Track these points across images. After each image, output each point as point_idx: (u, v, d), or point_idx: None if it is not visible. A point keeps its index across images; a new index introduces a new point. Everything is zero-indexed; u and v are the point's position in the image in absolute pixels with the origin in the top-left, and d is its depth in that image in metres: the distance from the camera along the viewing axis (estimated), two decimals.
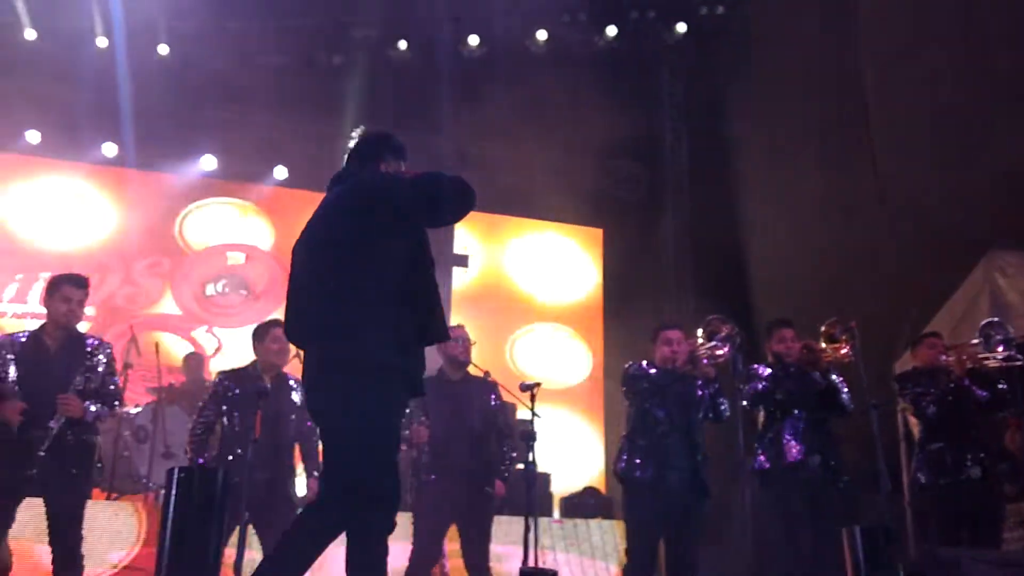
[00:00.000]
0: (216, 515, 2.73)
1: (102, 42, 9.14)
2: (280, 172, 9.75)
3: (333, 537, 2.98)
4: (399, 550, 6.07)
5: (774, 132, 8.96)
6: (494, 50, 9.94)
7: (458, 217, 3.55)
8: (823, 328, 5.36)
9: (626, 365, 5.27)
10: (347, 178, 3.40)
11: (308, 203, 9.42)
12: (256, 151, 9.58)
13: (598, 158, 9.72)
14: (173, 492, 2.69)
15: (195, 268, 9.38)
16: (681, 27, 10.03)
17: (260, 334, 5.08)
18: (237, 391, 4.91)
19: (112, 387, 4.67)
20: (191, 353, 8.34)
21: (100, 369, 4.60)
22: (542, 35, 9.94)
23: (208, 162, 9.56)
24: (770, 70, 9.12)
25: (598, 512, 7.00)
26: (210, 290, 9.33)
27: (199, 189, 9.61)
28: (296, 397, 5.06)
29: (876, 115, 7.91)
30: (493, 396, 5.33)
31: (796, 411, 5.27)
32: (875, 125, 7.91)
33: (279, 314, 4.37)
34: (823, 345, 5.31)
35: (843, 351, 5.24)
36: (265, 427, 4.58)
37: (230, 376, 5.05)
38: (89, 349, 4.61)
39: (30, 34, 9.01)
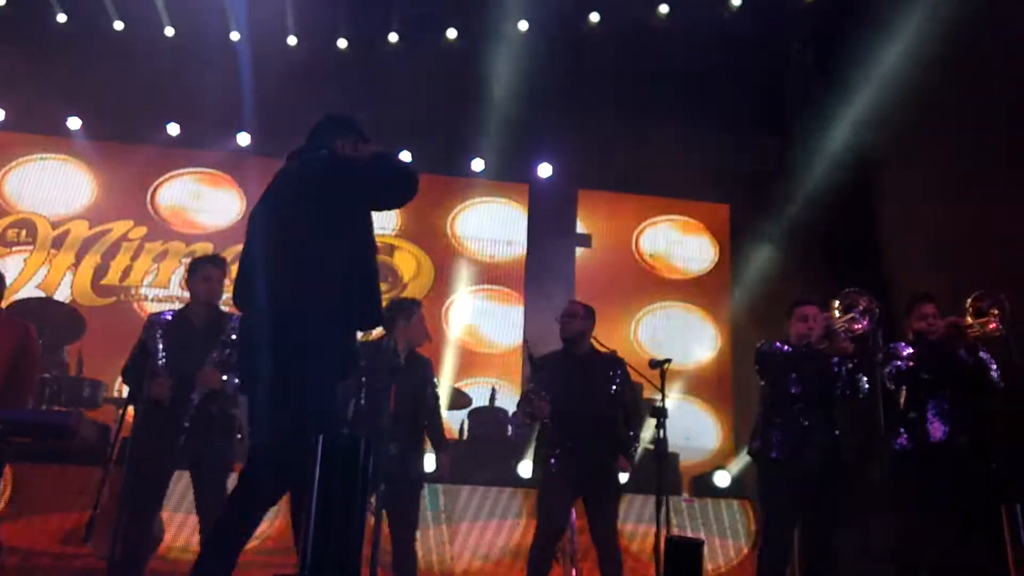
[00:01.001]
0: (361, 486, 2.79)
1: (234, 35, 9.47)
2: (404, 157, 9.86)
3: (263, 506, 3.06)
4: (525, 525, 6.18)
5: (913, 97, 8.52)
6: (615, 26, 9.80)
7: (399, 204, 3.55)
8: (969, 302, 5.10)
9: (759, 343, 5.17)
10: (305, 153, 3.42)
11: (432, 186, 9.63)
12: (373, 135, 9.69)
13: (724, 132, 9.49)
14: (318, 462, 2.76)
15: None
16: None
17: (404, 312, 5.18)
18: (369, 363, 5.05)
19: None
20: None
21: None
22: (664, 8, 9.74)
23: None
24: (900, 38, 8.68)
25: (728, 492, 6.89)
26: None
27: None
28: (428, 372, 5.20)
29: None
30: (619, 373, 5.31)
31: (941, 391, 5.05)
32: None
33: None
34: (969, 320, 5.07)
35: (992, 326, 4.98)
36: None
37: (363, 347, 5.21)
38: (232, 325, 4.79)
39: (168, 31, 9.42)
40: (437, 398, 5.36)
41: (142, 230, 9.43)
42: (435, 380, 5.38)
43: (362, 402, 4.97)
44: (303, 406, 3.11)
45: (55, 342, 7.21)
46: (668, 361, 5.15)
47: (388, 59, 9.71)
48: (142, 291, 9.22)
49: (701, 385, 9.68)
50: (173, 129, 9.58)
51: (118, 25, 9.38)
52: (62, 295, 8.99)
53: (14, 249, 9.17)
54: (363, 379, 4.95)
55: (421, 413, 5.18)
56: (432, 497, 6.17)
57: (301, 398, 3.11)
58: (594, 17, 9.73)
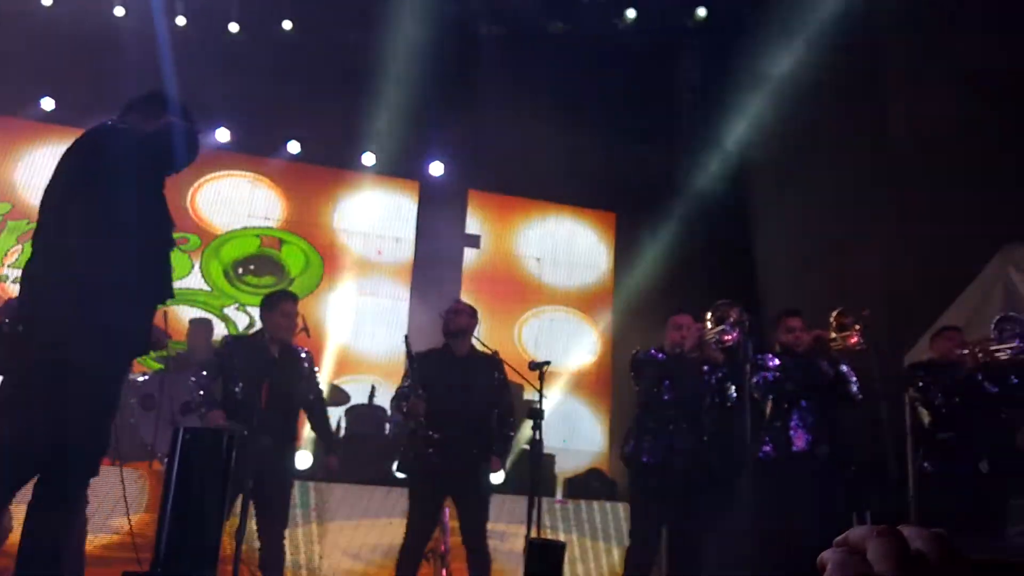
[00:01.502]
0: (220, 480, 2.71)
1: (119, 11, 9.12)
2: (293, 147, 9.70)
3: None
4: (397, 524, 6.13)
5: (790, 121, 8.89)
6: (512, 31, 9.86)
7: (180, 166, 3.52)
8: (833, 317, 5.33)
9: (634, 350, 5.28)
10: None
11: (318, 178, 9.46)
12: (268, 124, 9.53)
13: (614, 142, 9.65)
14: (177, 454, 2.67)
15: (224, 247, 9.33)
16: (701, 11, 9.93)
17: (270, 305, 5.09)
18: (243, 358, 4.94)
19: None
20: (197, 318, 8.34)
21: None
22: (558, 20, 9.87)
23: (221, 135, 9.51)
24: (785, 53, 9.03)
25: (601, 494, 7.00)
26: (241, 269, 9.28)
27: (209, 162, 9.57)
28: (304, 367, 5.10)
29: (895, 110, 7.85)
30: (497, 374, 5.33)
31: (804, 401, 5.26)
32: (893, 118, 7.85)
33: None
34: (833, 334, 5.29)
35: (853, 340, 5.21)
36: (273, 397, 4.61)
37: (236, 342, 5.10)
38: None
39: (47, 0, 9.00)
40: (320, 395, 5.27)
41: (5, 207, 8.96)
42: (316, 376, 5.29)
43: (238, 396, 4.86)
44: (85, 389, 3.00)
45: None
46: (547, 363, 5.19)
47: (281, 46, 9.51)
48: (4, 272, 8.74)
49: (582, 389, 9.80)
50: (48, 104, 9.13)
51: None
52: None
53: None
54: (236, 373, 4.83)
55: (295, 409, 5.07)
56: (303, 494, 6.05)
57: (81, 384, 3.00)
58: (489, 22, 9.77)
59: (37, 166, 9.09)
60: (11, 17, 8.77)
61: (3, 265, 8.77)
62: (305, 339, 5.55)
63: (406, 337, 5.35)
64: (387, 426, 7.30)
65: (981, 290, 6.38)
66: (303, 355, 5.14)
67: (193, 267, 9.14)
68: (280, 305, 5.05)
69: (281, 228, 9.58)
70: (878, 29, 7.94)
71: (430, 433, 5.01)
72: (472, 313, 5.33)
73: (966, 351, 5.33)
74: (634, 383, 5.25)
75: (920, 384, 5.47)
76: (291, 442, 5.08)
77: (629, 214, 10.32)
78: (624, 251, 10.25)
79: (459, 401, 5.11)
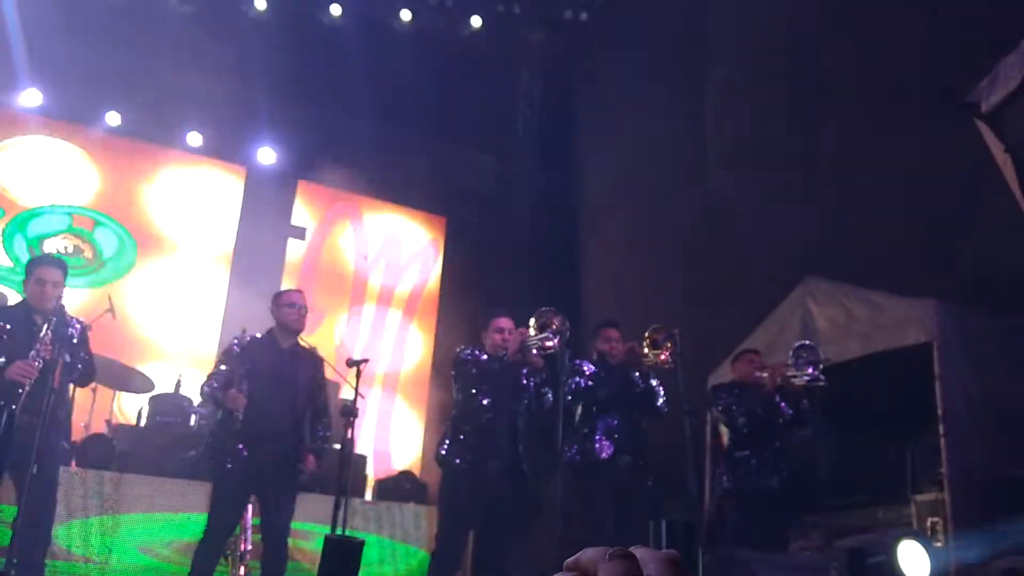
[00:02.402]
0: None
1: None
2: (112, 118, 9.13)
3: None
4: (195, 519, 5.86)
5: (619, 140, 9.22)
6: (356, 21, 9.72)
7: None
8: (647, 333, 5.53)
9: (457, 349, 5.28)
10: None
11: (139, 153, 8.97)
12: (86, 91, 8.93)
13: (450, 146, 9.69)
14: None
15: (33, 225, 8.68)
16: (544, 28, 10.14)
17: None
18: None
19: None
20: None
21: None
22: (406, 15, 9.82)
23: (31, 96, 8.84)
24: (623, 80, 9.38)
25: (412, 497, 6.96)
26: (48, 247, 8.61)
27: (17, 125, 8.90)
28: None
29: (713, 139, 8.27)
30: (318, 369, 5.22)
31: (613, 410, 5.44)
32: (712, 148, 8.26)
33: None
34: (646, 349, 5.49)
35: (663, 356, 5.43)
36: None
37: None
38: None
39: None
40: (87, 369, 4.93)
41: None
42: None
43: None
44: None
45: None
46: (365, 361, 5.13)
47: (108, 8, 8.97)
48: None
49: (400, 390, 9.74)
50: None
51: None
52: None
53: None
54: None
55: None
56: (97, 484, 5.69)
57: None
58: (335, 10, 9.59)
59: None
60: None
61: None
62: (111, 321, 5.24)
63: (244, 329, 5.16)
64: (192, 417, 6.98)
65: (782, 318, 6.79)
66: (71, 331, 4.79)
67: None
68: (33, 273, 4.75)
69: (95, 205, 8.99)
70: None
71: (246, 428, 4.81)
72: (304, 311, 5.20)
73: (765, 374, 5.66)
74: (453, 382, 5.26)
75: (723, 405, 5.77)
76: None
77: (460, 219, 10.36)
78: (453, 255, 10.28)
79: (281, 393, 4.95)
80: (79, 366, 4.81)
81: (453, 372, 5.21)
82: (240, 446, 4.82)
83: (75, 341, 4.75)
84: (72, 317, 4.84)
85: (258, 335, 5.14)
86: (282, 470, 4.91)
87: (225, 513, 4.83)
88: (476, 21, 9.95)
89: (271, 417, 4.89)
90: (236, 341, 5.07)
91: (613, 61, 9.66)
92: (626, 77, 9.34)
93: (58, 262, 4.82)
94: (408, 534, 6.43)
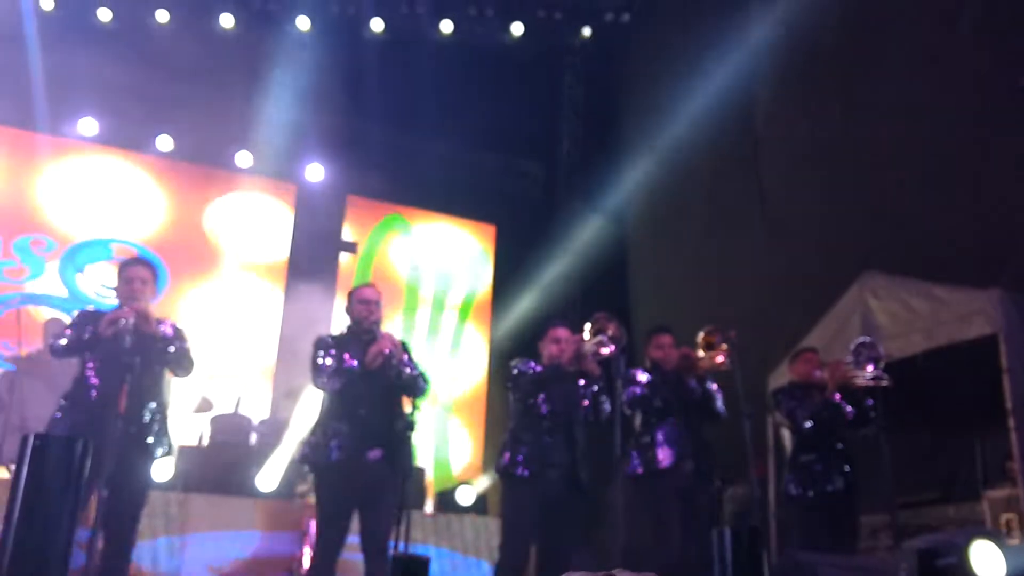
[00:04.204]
0: (72, 488, 2.53)
1: None
2: (164, 142, 9.32)
3: None
4: (261, 537, 5.94)
5: (665, 143, 9.15)
6: (398, 35, 9.81)
7: None
8: (700, 336, 5.46)
9: (512, 362, 5.25)
10: None
11: (194, 176, 9.13)
12: (142, 118, 9.13)
13: (496, 153, 9.71)
14: (25, 463, 2.48)
15: (79, 254, 8.89)
16: (586, 31, 10.11)
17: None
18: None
19: None
20: (53, 319, 7.88)
21: None
22: (447, 26, 9.86)
23: (88, 125, 9.05)
24: (667, 81, 9.31)
25: (472, 508, 6.96)
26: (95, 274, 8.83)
27: (77, 152, 9.12)
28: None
29: (764, 136, 8.16)
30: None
31: (671, 417, 5.37)
32: (762, 145, 8.16)
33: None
34: (700, 353, 5.42)
35: (719, 359, 5.35)
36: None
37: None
38: None
39: None
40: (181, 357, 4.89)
41: None
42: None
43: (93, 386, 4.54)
44: None
45: None
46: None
47: (156, 35, 9.15)
48: None
49: (460, 400, 9.77)
50: None
51: None
52: None
53: None
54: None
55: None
56: (163, 504, 5.77)
57: None
58: (377, 25, 9.68)
59: None
60: None
61: None
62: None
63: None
64: (253, 435, 7.06)
65: (841, 315, 6.67)
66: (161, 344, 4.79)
67: (46, 269, 8.69)
68: (124, 272, 4.77)
69: (151, 229, 9.16)
70: None
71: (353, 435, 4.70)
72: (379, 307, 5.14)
73: (825, 373, 5.55)
74: (510, 394, 5.23)
75: (786, 408, 5.66)
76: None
77: (509, 226, 10.37)
78: (504, 263, 10.29)
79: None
80: (171, 350, 4.72)
81: (509, 384, 5.18)
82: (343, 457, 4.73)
83: (168, 336, 4.74)
84: (164, 319, 4.82)
85: (337, 334, 5.08)
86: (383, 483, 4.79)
87: (331, 530, 4.78)
88: (517, 28, 9.96)
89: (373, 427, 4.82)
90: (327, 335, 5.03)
91: (656, 60, 9.59)
92: (670, 76, 9.27)
93: (145, 261, 4.84)
94: (470, 546, 6.43)
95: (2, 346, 7.53)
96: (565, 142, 10.38)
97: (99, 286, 8.75)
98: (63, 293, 8.68)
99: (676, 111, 8.98)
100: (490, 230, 10.54)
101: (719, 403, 5.43)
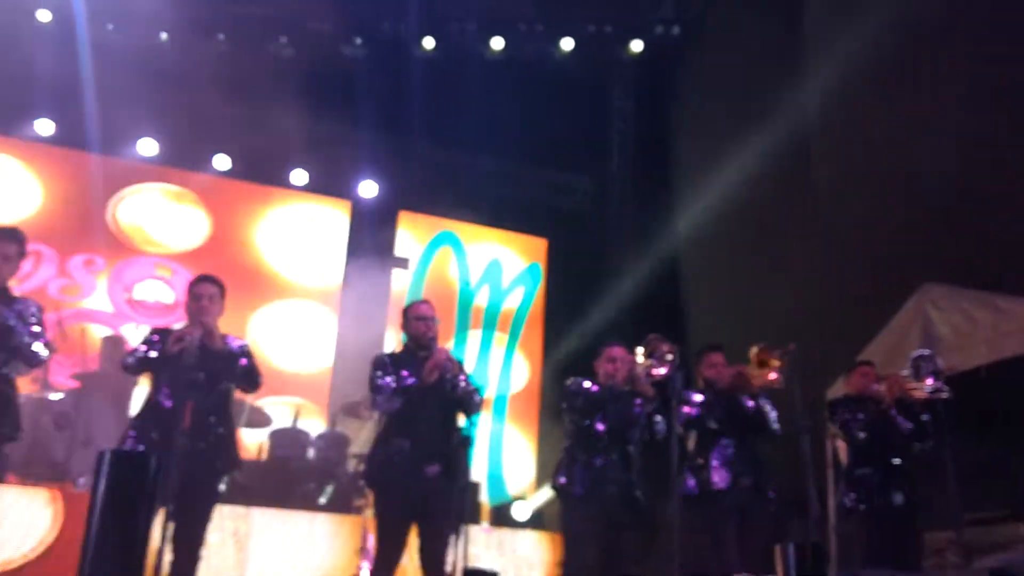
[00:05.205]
0: (147, 501, 2.61)
1: (44, 16, 8.88)
2: (221, 161, 9.54)
3: None
4: (322, 551, 5.99)
5: (717, 156, 9.10)
6: (449, 53, 9.91)
7: None
8: (753, 352, 5.41)
9: (567, 381, 5.26)
10: None
11: (248, 195, 9.35)
12: (198, 138, 9.36)
13: (547, 168, 9.74)
14: (103, 478, 2.57)
15: (126, 272, 9.14)
16: (636, 45, 10.11)
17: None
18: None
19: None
20: (109, 336, 8.08)
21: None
22: (498, 43, 9.94)
23: (148, 146, 9.30)
24: (719, 93, 9.27)
25: (528, 523, 6.96)
26: (138, 294, 9.09)
27: (135, 173, 9.36)
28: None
29: (819, 148, 8.08)
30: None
31: (725, 437, 5.32)
32: (817, 156, 8.08)
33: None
34: (754, 370, 5.37)
35: (772, 376, 5.29)
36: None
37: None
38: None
39: None
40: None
41: None
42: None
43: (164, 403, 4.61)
44: None
45: None
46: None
47: (212, 58, 9.35)
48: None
49: (513, 415, 9.80)
50: None
51: None
52: None
53: None
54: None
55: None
56: (222, 519, 5.85)
57: None
58: (428, 43, 9.79)
59: None
60: None
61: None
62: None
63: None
64: (310, 450, 7.15)
65: (900, 328, 6.56)
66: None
67: (97, 288, 8.95)
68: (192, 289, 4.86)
69: (206, 247, 9.36)
70: None
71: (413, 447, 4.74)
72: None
73: (881, 386, 5.46)
74: (565, 413, 5.24)
75: (840, 420, 5.59)
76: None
77: (560, 240, 10.39)
78: (556, 277, 10.31)
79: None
80: (237, 366, 4.77)
81: (564, 405, 5.20)
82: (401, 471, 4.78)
83: (234, 352, 4.80)
84: (230, 335, 4.87)
85: (394, 352, 5.13)
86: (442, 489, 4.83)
87: (389, 545, 4.75)
88: (567, 43, 10.00)
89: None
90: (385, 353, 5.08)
91: (707, 74, 9.56)
92: (721, 88, 9.23)
93: (213, 278, 4.88)
94: (527, 561, 6.43)
95: (57, 363, 7.67)
96: (615, 156, 10.38)
97: (145, 303, 8.99)
98: (111, 310, 8.92)
99: (728, 124, 8.94)
100: (541, 244, 10.57)
101: (773, 422, 5.37)
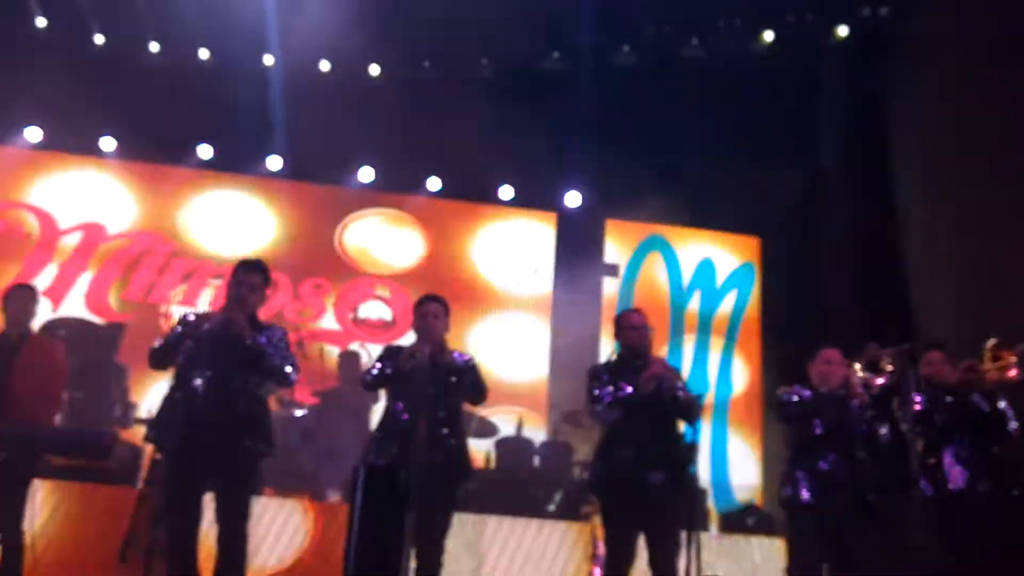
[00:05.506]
0: (400, 513, 2.78)
1: (268, 60, 9.59)
2: (433, 183, 9.97)
3: None
4: (550, 559, 6.10)
5: (940, 139, 8.54)
6: (647, 58, 9.87)
7: None
8: (988, 346, 5.10)
9: (778, 391, 5.17)
10: None
11: (460, 213, 9.73)
12: (412, 163, 9.82)
13: (754, 164, 9.46)
14: (359, 491, 2.75)
15: (350, 293, 9.71)
16: (842, 30, 9.67)
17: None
18: None
19: None
20: (344, 353, 8.61)
21: None
22: (696, 42, 9.81)
23: (366, 173, 9.86)
24: (935, 75, 8.70)
25: (757, 530, 6.80)
26: (362, 313, 9.64)
27: (357, 200, 9.96)
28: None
29: None
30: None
31: (956, 437, 5.06)
32: None
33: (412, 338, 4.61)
34: (988, 366, 5.06)
35: (1011, 373, 4.96)
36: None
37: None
38: None
39: (203, 53, 9.57)
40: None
41: (170, 245, 9.51)
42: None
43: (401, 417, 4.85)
44: None
45: (93, 361, 7.25)
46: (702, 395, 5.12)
47: (420, 86, 9.79)
48: (170, 309, 9.24)
49: (735, 419, 9.63)
50: (205, 151, 9.66)
51: (153, 47, 9.50)
52: (73, 303, 9.06)
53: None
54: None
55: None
56: (458, 526, 6.08)
57: None
58: (626, 50, 9.81)
59: (199, 210, 9.68)
60: (167, 68, 9.37)
61: (169, 302, 9.28)
62: None
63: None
64: (536, 458, 7.32)
65: None
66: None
67: (327, 309, 9.57)
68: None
69: (422, 267, 9.84)
70: None
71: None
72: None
73: None
74: (782, 424, 5.16)
75: None
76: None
77: (774, 238, 10.11)
78: (771, 276, 10.04)
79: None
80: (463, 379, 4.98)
81: (778, 415, 5.10)
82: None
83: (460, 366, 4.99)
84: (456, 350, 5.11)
85: (609, 362, 5.19)
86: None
87: (618, 554, 4.78)
88: (768, 35, 9.72)
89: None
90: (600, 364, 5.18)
91: (922, 53, 9.00)
92: (939, 69, 8.66)
93: (437, 297, 5.05)
94: (759, 568, 6.28)
95: (307, 381, 8.26)
96: (827, 147, 9.95)
97: (368, 321, 9.52)
98: (340, 329, 9.52)
99: (947, 106, 8.38)
100: (754, 243, 10.33)
101: (1011, 422, 5.05)
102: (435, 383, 4.81)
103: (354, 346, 9.19)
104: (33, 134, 9.42)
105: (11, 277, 8.10)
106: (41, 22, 9.22)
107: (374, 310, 9.70)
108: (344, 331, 9.50)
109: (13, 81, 8.64)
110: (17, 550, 4.95)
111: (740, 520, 7.00)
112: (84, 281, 9.23)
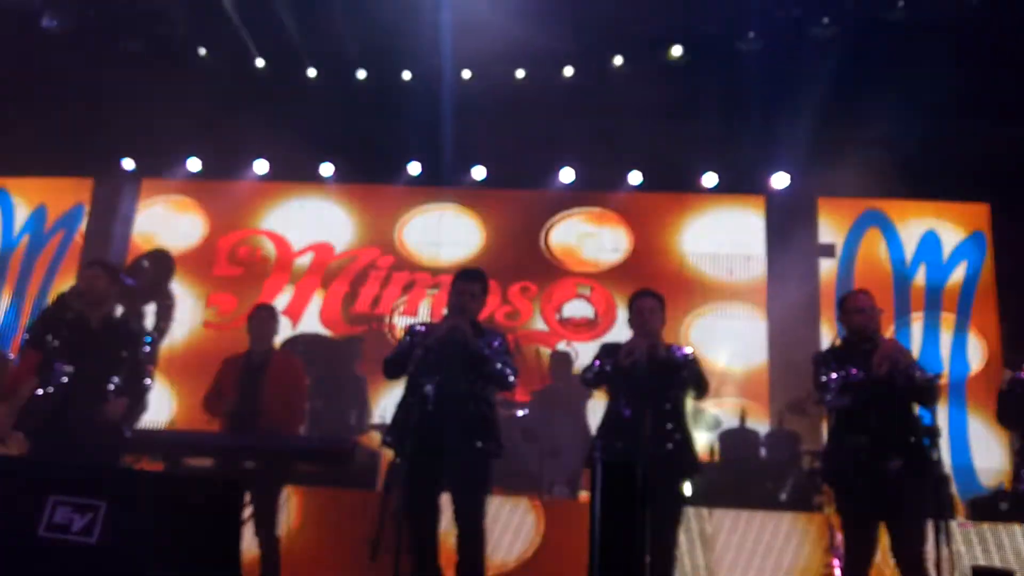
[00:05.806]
0: (640, 509, 2.82)
1: (466, 74, 9.89)
2: (635, 177, 9.95)
3: None
4: (783, 550, 5.93)
5: None
6: (844, 26, 9.39)
7: None
8: None
9: (1004, 376, 4.83)
10: None
11: (664, 205, 9.67)
12: (611, 159, 9.85)
13: (977, 125, 8.80)
14: (598, 489, 2.81)
15: (555, 294, 9.90)
16: None
17: None
18: None
19: None
20: (556, 352, 8.75)
21: None
22: (898, 5, 9.23)
23: (567, 174, 9.98)
24: None
25: (1012, 517, 6.31)
26: (566, 312, 9.79)
27: (559, 201, 10.10)
28: None
29: None
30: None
31: None
32: None
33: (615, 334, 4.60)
34: None
35: None
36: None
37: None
38: None
39: (406, 75, 10.00)
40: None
41: (389, 259, 10.01)
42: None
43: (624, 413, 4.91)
44: None
45: (330, 373, 7.78)
46: (939, 376, 4.85)
47: (613, 82, 9.79)
48: (394, 319, 9.78)
49: (974, 399, 9.02)
50: (414, 168, 10.10)
51: (361, 74, 10.03)
52: (309, 320, 9.74)
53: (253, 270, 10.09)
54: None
55: None
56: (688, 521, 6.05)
57: None
58: (825, 22, 9.37)
59: (413, 224, 10.18)
60: (373, 93, 9.86)
61: (392, 313, 9.81)
62: None
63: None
64: (762, 449, 7.16)
65: None
66: None
67: (534, 311, 9.79)
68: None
69: (624, 260, 9.85)
70: None
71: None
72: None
73: None
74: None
75: None
76: None
77: (1005, 203, 9.38)
78: (1004, 245, 9.32)
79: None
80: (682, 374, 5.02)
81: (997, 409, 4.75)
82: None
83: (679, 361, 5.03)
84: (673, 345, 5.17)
85: (834, 346, 5.07)
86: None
87: (858, 544, 4.71)
88: None
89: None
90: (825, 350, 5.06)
91: None
92: None
93: (652, 292, 5.15)
94: (1020, 557, 5.82)
95: (525, 382, 8.47)
96: None
97: (573, 320, 9.63)
98: (547, 329, 9.69)
99: None
100: (983, 210, 9.62)
101: None
102: (656, 378, 4.83)
103: (561, 345, 9.34)
104: (260, 167, 10.26)
105: (255, 299, 8.83)
106: (260, 62, 9.93)
107: (577, 309, 9.82)
108: (551, 331, 9.69)
109: (239, 121, 9.37)
110: (274, 549, 5.41)
111: (991, 505, 6.53)
112: (318, 298, 9.94)
